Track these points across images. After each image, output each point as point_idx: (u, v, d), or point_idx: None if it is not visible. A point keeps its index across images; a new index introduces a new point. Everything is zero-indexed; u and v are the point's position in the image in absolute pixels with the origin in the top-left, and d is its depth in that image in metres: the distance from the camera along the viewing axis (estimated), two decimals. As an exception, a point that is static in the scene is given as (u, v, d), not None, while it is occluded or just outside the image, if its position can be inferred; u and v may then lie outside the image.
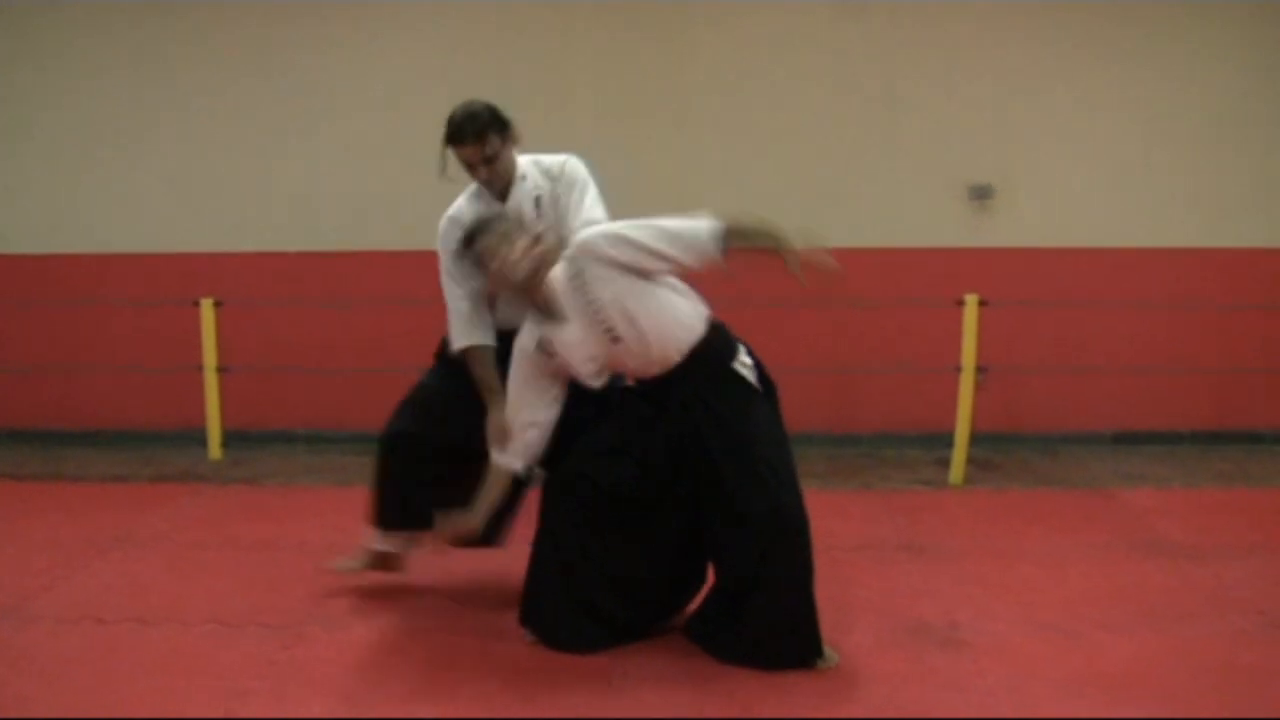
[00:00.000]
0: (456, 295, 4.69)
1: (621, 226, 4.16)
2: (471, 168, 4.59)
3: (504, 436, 4.38)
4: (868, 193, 8.15)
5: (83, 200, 8.49)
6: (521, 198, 4.66)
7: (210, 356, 7.81)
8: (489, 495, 4.44)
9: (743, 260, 4.20)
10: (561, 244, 4.28)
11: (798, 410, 8.19)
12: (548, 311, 4.23)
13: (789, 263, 4.12)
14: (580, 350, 4.23)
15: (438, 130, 4.57)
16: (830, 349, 8.17)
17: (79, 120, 8.42)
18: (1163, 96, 7.99)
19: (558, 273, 4.19)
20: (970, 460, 7.27)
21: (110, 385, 8.58)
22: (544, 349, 4.28)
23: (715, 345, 4.30)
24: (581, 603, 4.43)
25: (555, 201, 4.64)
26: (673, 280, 4.31)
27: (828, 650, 4.24)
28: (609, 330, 4.15)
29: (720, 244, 4.12)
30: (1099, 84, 8.01)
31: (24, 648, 4.49)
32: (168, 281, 8.32)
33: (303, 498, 6.75)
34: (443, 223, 4.75)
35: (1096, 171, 8.09)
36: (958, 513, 6.44)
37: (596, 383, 4.34)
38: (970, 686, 4.07)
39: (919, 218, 8.16)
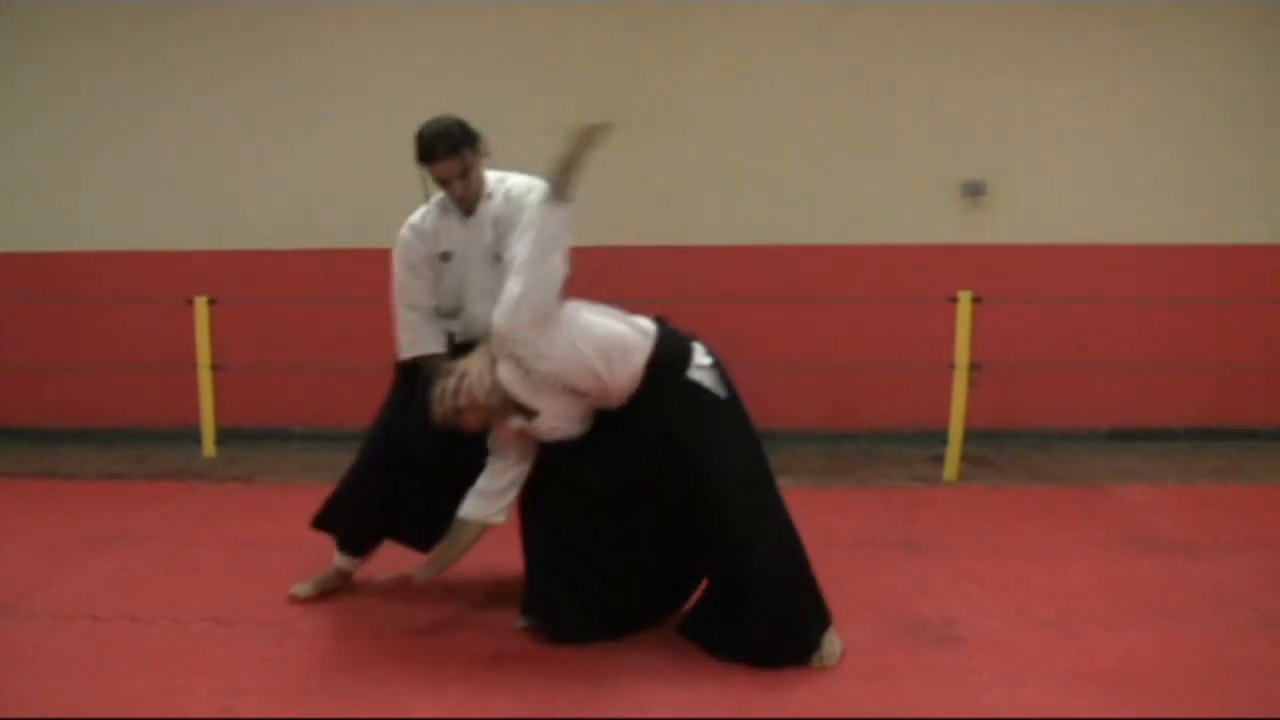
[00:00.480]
0: (406, 306, 4.77)
1: (509, 289, 4.14)
2: (446, 183, 4.62)
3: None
4: (862, 190, 8.17)
5: (78, 198, 8.50)
6: (485, 217, 4.70)
7: (204, 354, 7.81)
8: (457, 548, 4.55)
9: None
10: (488, 354, 4.28)
11: (794, 407, 8.27)
12: (519, 412, 4.27)
13: (596, 140, 4.18)
14: (563, 423, 4.31)
15: (401, 119, 4.61)
16: (826, 346, 8.17)
17: (75, 118, 8.42)
18: (1158, 93, 7.99)
19: (504, 373, 4.20)
20: (965, 457, 7.27)
21: (106, 383, 8.58)
22: (532, 438, 4.38)
23: (667, 357, 4.29)
24: (583, 597, 4.46)
25: (512, 227, 4.62)
26: (600, 309, 4.34)
27: (828, 647, 4.25)
28: (573, 390, 4.20)
29: (560, 199, 4.12)
30: (1094, 81, 8.01)
31: (21, 645, 4.50)
32: (162, 279, 8.33)
33: (298, 495, 6.73)
34: (404, 230, 4.80)
35: (1091, 168, 8.09)
36: (953, 509, 6.45)
37: (584, 428, 4.38)
38: (966, 683, 4.08)
39: (913, 215, 8.17)
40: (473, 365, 4.19)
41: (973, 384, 7.18)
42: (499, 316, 4.11)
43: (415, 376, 4.60)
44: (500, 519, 4.47)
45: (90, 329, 8.56)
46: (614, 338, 4.21)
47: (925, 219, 8.16)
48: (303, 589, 5.04)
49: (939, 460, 7.34)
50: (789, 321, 8.13)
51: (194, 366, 7.85)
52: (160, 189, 8.43)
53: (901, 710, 3.88)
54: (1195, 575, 5.20)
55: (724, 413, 4.33)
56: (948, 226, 8.16)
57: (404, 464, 4.73)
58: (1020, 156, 8.10)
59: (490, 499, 4.45)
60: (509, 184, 4.74)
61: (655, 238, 8.12)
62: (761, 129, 8.15)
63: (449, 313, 4.81)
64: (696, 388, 4.29)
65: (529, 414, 4.24)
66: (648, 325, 4.33)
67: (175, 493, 6.94)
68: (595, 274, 8.05)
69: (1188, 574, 5.22)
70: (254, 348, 8.24)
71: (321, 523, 5.05)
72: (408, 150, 4.62)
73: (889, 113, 8.11)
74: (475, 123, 4.61)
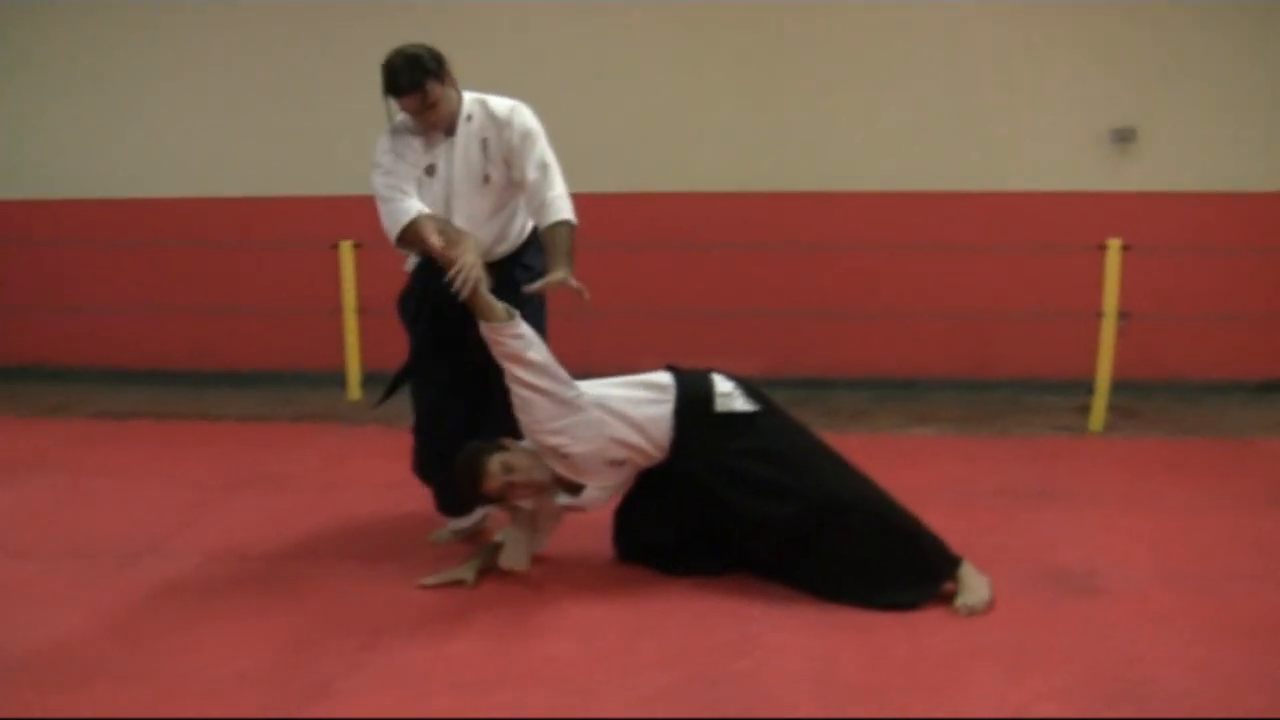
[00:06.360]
0: (385, 184, 4.81)
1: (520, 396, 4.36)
2: (413, 115, 4.62)
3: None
4: (1008, 136, 8.03)
5: (224, 144, 8.68)
6: (468, 138, 4.66)
7: (350, 298, 7.93)
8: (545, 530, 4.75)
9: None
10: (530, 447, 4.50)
11: (935, 356, 8.18)
12: (566, 489, 4.54)
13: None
14: (606, 494, 4.61)
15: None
16: (970, 294, 8.08)
17: (230, 72, 8.62)
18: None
19: (546, 459, 4.46)
20: (1111, 407, 7.15)
21: (252, 327, 8.76)
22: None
23: (692, 403, 4.49)
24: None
25: (503, 147, 4.62)
26: (618, 380, 4.54)
27: (974, 596, 4.26)
28: (612, 462, 4.47)
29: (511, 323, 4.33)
30: (1243, 24, 7.79)
31: (169, 582, 4.63)
32: (308, 224, 8.45)
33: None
34: (386, 132, 4.87)
35: (1241, 114, 7.86)
36: (1097, 460, 6.36)
37: (625, 489, 4.70)
38: (1108, 634, 4.01)
39: (1061, 161, 8.01)
40: (512, 453, 4.42)
41: (1119, 333, 7.06)
42: (519, 415, 4.41)
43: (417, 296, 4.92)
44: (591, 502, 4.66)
45: (239, 274, 8.75)
46: (638, 407, 4.43)
47: (1072, 166, 8.01)
48: (441, 535, 5.13)
49: (1083, 410, 7.22)
50: (933, 269, 8.04)
51: (340, 311, 7.98)
52: (301, 133, 8.58)
53: (1043, 659, 3.84)
54: (1344, 532, 5.09)
55: (761, 424, 4.51)
56: (1095, 173, 8.00)
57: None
58: (1167, 102, 7.89)
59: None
60: (493, 106, 4.67)
61: (797, 184, 8.07)
62: (905, 73, 8.04)
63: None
64: (728, 417, 4.47)
65: (575, 489, 4.51)
66: (664, 379, 4.54)
67: (319, 435, 7.08)
68: (740, 219, 8.07)
69: (1335, 530, 5.11)
70: (399, 292, 8.31)
71: (443, 507, 5.13)
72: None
73: (1037, 58, 7.94)
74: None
